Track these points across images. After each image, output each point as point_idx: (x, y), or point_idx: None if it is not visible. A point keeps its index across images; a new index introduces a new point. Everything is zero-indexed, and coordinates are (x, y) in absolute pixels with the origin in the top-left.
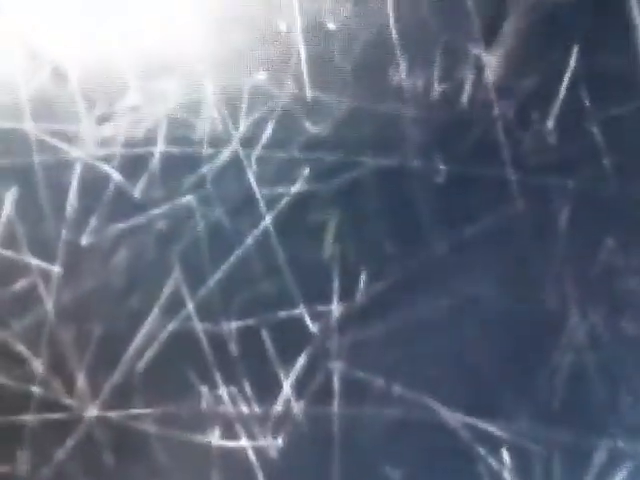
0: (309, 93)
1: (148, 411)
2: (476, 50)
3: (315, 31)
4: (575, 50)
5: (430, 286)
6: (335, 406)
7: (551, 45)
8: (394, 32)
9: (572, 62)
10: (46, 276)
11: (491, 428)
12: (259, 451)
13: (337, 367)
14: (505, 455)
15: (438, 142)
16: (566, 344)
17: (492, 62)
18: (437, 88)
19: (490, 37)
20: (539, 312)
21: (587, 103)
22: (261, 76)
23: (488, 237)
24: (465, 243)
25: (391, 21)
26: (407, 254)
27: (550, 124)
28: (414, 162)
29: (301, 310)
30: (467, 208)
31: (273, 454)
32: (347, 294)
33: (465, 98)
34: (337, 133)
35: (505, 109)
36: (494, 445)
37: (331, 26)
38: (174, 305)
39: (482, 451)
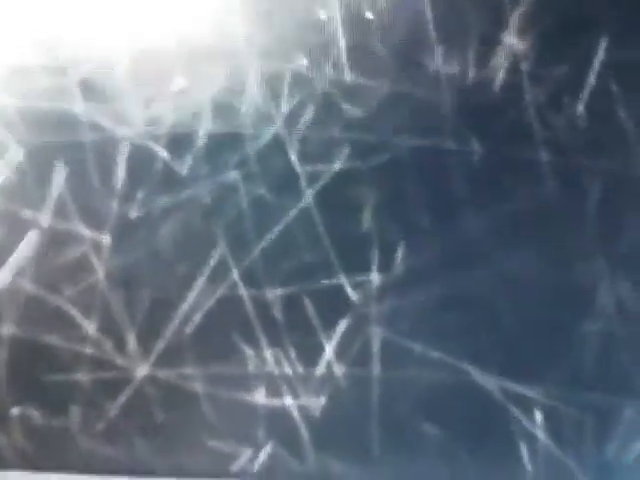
0: (348, 78)
1: (196, 371)
2: (509, 38)
3: (354, 20)
4: (604, 39)
5: (465, 260)
6: (374, 369)
7: (581, 34)
8: (430, 21)
9: (601, 50)
10: (97, 246)
11: (525, 391)
12: (302, 409)
13: (376, 333)
14: (538, 416)
15: (473, 125)
16: (596, 313)
17: (524, 50)
18: (472, 74)
19: (522, 26)
20: (571, 284)
21: (615, 88)
22: (302, 62)
23: (521, 215)
24: (499, 220)
25: (427, 10)
26: (442, 230)
27: (580, 108)
28: (450, 143)
29: (341, 279)
30: (501, 187)
31: (316, 412)
32: (385, 265)
33: (499, 84)
34: (375, 116)
35: (537, 94)
36: (527, 406)
37: (369, 15)
38: (220, 273)
39: (516, 412)
